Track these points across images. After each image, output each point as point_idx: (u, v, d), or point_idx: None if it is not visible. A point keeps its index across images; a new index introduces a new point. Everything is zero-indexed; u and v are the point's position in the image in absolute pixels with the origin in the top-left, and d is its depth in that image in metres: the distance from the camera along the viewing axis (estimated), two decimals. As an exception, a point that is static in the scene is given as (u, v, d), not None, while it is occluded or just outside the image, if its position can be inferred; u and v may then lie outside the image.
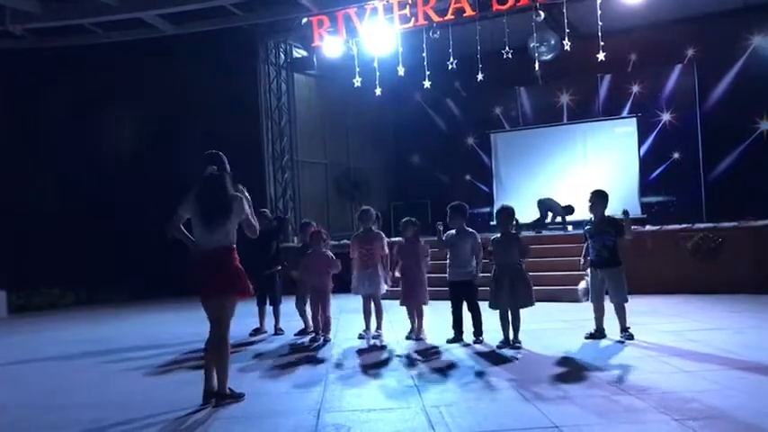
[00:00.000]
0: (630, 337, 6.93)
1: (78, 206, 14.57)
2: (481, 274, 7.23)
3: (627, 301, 7.06)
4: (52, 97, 14.79)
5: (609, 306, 7.16)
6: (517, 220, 7.00)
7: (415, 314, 7.52)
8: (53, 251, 13.94)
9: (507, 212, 6.99)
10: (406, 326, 7.62)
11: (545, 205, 13.77)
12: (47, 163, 14.99)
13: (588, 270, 7.38)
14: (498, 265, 6.90)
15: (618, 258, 7.07)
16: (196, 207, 5.03)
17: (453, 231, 7.33)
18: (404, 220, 7.64)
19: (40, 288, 13.82)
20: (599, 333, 7.16)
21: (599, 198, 7.20)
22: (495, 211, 7.22)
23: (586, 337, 7.16)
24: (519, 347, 6.67)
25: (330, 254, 7.89)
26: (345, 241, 11.02)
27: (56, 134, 14.97)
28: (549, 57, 13.75)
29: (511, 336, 6.81)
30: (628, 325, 7.04)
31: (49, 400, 5.65)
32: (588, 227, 7.26)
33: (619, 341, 6.90)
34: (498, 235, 7.00)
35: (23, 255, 13.68)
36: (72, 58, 14.37)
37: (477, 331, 7.18)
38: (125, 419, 4.72)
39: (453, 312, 7.32)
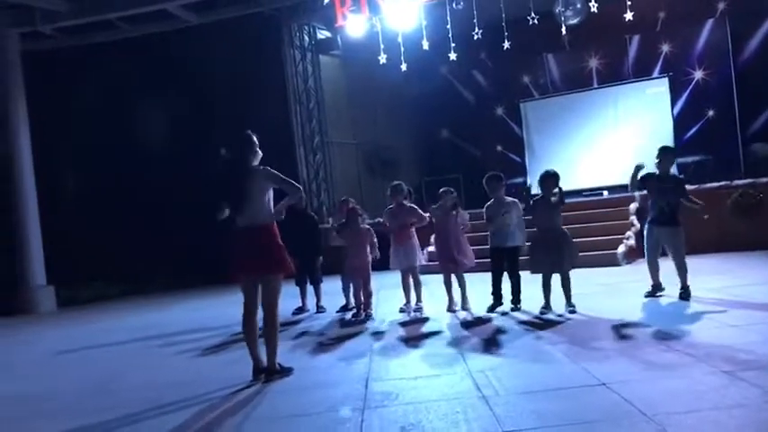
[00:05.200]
0: (688, 295, 6.89)
1: (118, 198, 14.90)
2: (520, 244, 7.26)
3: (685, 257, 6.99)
4: (86, 93, 15.10)
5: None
6: (560, 187, 6.88)
7: (458, 283, 7.53)
8: (96, 245, 14.29)
9: (554, 177, 6.89)
10: (446, 297, 7.63)
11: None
12: (86, 157, 15.33)
13: (633, 231, 7.33)
14: (540, 229, 6.88)
15: (678, 218, 6.99)
16: (221, 192, 5.14)
17: (494, 201, 7.31)
18: (443, 189, 7.63)
19: (86, 281, 14.19)
20: (656, 288, 7.16)
21: (667, 154, 7.10)
22: (539, 176, 7.09)
23: (646, 296, 7.16)
24: (573, 311, 6.64)
25: (368, 227, 7.97)
26: (379, 219, 11.09)
27: (93, 129, 15.29)
28: (575, 21, 13.50)
29: (563, 300, 6.78)
30: (688, 283, 6.98)
31: (103, 384, 5.82)
32: (653, 181, 7.06)
33: (674, 300, 6.87)
34: (539, 198, 6.95)
35: (69, 250, 14.03)
36: (102, 53, 14.61)
37: (516, 299, 7.20)
38: (179, 399, 4.85)
39: (493, 279, 7.34)
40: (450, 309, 7.48)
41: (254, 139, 5.24)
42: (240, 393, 4.85)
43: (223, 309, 9.61)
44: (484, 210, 7.39)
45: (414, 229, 7.78)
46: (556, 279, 6.84)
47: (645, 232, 7.29)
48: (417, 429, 3.64)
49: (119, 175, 15.00)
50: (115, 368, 6.50)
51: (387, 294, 9.02)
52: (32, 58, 13.76)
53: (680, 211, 7.01)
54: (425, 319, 7.28)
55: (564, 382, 4.25)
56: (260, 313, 5.24)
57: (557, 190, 6.83)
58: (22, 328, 10.69)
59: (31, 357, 7.86)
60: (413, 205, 7.90)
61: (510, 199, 7.33)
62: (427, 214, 7.86)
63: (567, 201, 6.92)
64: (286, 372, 5.18)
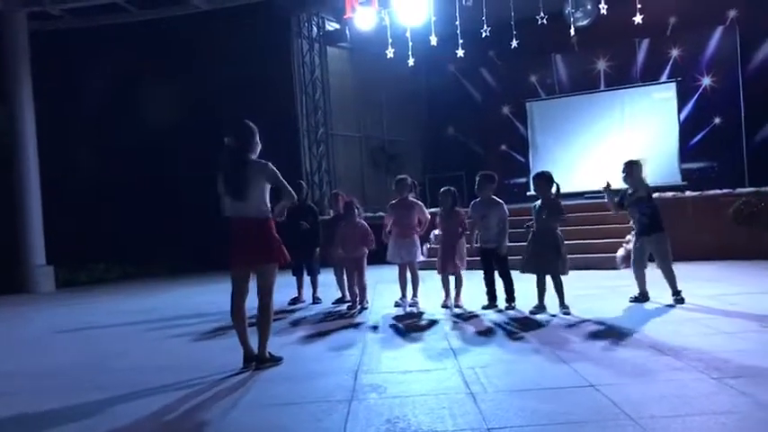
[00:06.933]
0: (681, 300, 6.89)
1: (121, 183, 14.93)
2: (508, 244, 7.23)
3: (671, 263, 6.99)
4: (92, 75, 15.11)
5: (651, 271, 7.17)
6: (557, 185, 6.87)
7: (455, 282, 7.54)
8: (98, 227, 14.33)
9: (545, 178, 6.91)
10: (442, 294, 7.65)
11: None
12: (90, 140, 15.37)
13: (631, 236, 7.37)
14: (534, 230, 6.87)
15: (659, 224, 7.01)
16: (221, 180, 5.13)
17: (479, 200, 7.33)
18: (442, 189, 7.64)
19: (85, 264, 14.22)
20: (642, 296, 7.18)
21: (632, 167, 7.12)
22: (532, 177, 7.12)
23: (631, 301, 7.18)
24: (568, 313, 6.62)
25: (364, 223, 7.96)
26: (381, 213, 11.08)
27: (97, 111, 15.32)
28: (585, 22, 13.51)
29: (557, 302, 6.76)
30: (679, 288, 6.98)
31: (97, 364, 5.85)
32: (627, 196, 7.17)
33: (670, 305, 6.85)
34: (538, 202, 6.95)
35: (70, 230, 14.06)
36: (109, 35, 14.63)
37: (510, 297, 7.21)
38: (170, 382, 4.86)
39: (485, 279, 7.35)
40: (445, 304, 7.50)
41: (255, 129, 5.22)
42: (230, 380, 4.86)
43: (222, 295, 9.43)
44: (471, 207, 7.45)
45: (416, 225, 7.76)
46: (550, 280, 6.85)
47: (633, 244, 7.34)
48: (402, 423, 3.64)
49: (121, 159, 15.02)
50: (110, 349, 6.53)
51: (383, 288, 9.03)
52: (40, 38, 13.76)
53: (660, 216, 7.05)
54: (420, 314, 7.28)
55: (553, 382, 4.25)
56: (252, 302, 5.26)
57: (554, 190, 6.81)
58: (21, 307, 10.75)
59: (28, 335, 7.91)
60: (418, 202, 7.87)
61: (496, 200, 7.30)
62: (429, 210, 7.89)
63: (568, 203, 6.92)
64: (276, 361, 5.20)
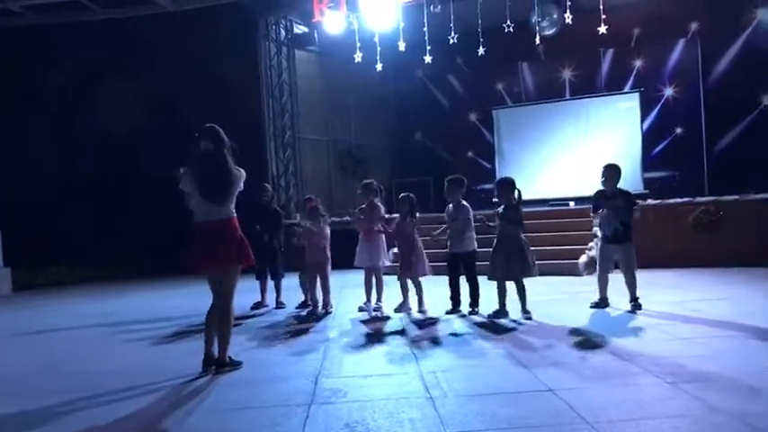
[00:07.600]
0: (639, 306, 6.99)
1: (82, 183, 14.65)
2: (477, 249, 7.30)
3: (635, 271, 7.10)
4: (53, 74, 14.81)
5: (613, 277, 7.27)
6: (519, 191, 6.92)
7: (415, 287, 7.55)
8: (58, 228, 14.02)
9: (507, 183, 6.97)
10: (399, 297, 7.67)
11: None
12: (51, 139, 15.05)
13: (596, 242, 7.39)
14: (498, 236, 6.93)
15: (630, 234, 7.09)
16: (197, 183, 5.06)
17: (450, 205, 7.37)
18: (401, 195, 7.68)
19: (45, 265, 13.90)
20: (602, 302, 7.25)
21: (614, 172, 7.15)
22: (495, 183, 7.16)
23: (591, 306, 7.24)
24: (529, 318, 6.68)
25: (327, 229, 7.94)
26: (348, 218, 11.07)
27: (59, 110, 15.04)
28: (550, 31, 13.66)
29: (518, 307, 6.80)
30: (637, 295, 7.08)
31: (51, 368, 5.74)
32: (602, 201, 7.17)
33: (629, 311, 6.95)
34: (501, 207, 7.00)
35: (28, 232, 13.75)
36: (71, 34, 14.37)
37: (474, 302, 7.24)
38: (127, 386, 4.81)
39: (450, 284, 7.38)
40: (399, 309, 7.51)
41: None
42: (189, 384, 4.81)
43: (187, 298, 9.48)
44: (445, 213, 7.50)
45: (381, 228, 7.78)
46: (512, 285, 6.90)
47: (599, 249, 7.39)
48: (361, 427, 3.63)
49: (82, 158, 14.76)
50: (66, 353, 6.42)
51: (348, 293, 9.01)
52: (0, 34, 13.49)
53: (632, 227, 7.12)
54: (384, 319, 7.28)
55: (512, 387, 4.28)
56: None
57: (516, 196, 6.87)
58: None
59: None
60: (379, 205, 7.88)
61: (464, 204, 7.35)
62: (392, 215, 7.91)
63: (533, 209, 6.96)
64: (235, 365, 5.16)
